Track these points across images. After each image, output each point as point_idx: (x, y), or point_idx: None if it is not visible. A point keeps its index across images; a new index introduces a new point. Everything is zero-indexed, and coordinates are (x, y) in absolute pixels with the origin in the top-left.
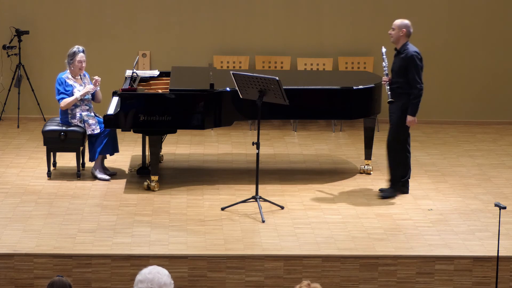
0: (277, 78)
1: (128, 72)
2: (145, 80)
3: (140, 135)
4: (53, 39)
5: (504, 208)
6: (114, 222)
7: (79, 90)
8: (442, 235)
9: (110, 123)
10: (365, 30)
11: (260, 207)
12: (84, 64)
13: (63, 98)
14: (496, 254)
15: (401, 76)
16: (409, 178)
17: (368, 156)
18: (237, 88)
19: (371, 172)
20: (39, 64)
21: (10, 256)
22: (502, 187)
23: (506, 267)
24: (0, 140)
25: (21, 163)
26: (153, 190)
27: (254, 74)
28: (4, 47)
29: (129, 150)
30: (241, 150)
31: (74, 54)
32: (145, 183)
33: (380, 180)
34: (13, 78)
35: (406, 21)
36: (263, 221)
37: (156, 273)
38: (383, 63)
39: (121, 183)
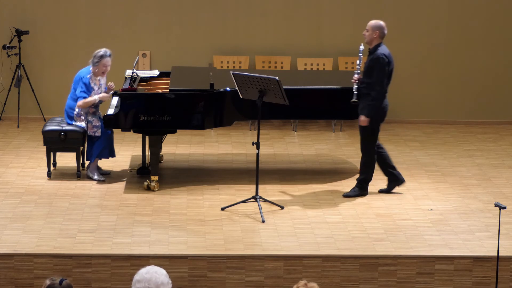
0: (277, 78)
1: (128, 72)
2: (145, 80)
3: (140, 135)
4: (53, 39)
5: (504, 208)
6: (114, 222)
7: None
8: (442, 235)
9: (110, 123)
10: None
11: (260, 207)
12: (108, 69)
13: (84, 97)
14: (496, 254)
15: (367, 77)
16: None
17: None
18: (237, 88)
19: None
20: (39, 64)
21: (10, 256)
22: (502, 187)
23: (506, 267)
24: (0, 140)
25: (21, 163)
26: (153, 190)
27: (254, 74)
28: (4, 47)
29: (129, 150)
30: (241, 150)
31: (102, 57)
32: (145, 183)
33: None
34: (13, 78)
35: (381, 22)
36: (263, 221)
37: (153, 272)
38: (358, 61)
39: (121, 183)
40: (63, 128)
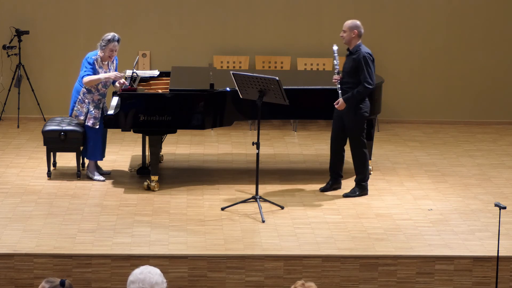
0: (277, 78)
1: (128, 72)
2: (145, 80)
3: (140, 135)
4: (53, 39)
5: (504, 208)
6: (114, 222)
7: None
8: (442, 235)
9: (110, 123)
10: (365, 30)
11: (260, 207)
12: (114, 54)
13: (88, 75)
14: (496, 254)
15: (352, 77)
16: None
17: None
18: (237, 88)
19: (371, 172)
20: (39, 64)
21: (10, 256)
22: (502, 187)
23: (506, 267)
24: (0, 140)
25: (21, 163)
26: (153, 190)
27: (254, 74)
28: (4, 47)
29: (129, 150)
30: (241, 150)
31: (109, 41)
32: (145, 183)
33: (380, 180)
34: (13, 78)
35: (357, 22)
36: (263, 221)
37: (147, 273)
38: (334, 61)
39: (121, 183)
40: (63, 128)
